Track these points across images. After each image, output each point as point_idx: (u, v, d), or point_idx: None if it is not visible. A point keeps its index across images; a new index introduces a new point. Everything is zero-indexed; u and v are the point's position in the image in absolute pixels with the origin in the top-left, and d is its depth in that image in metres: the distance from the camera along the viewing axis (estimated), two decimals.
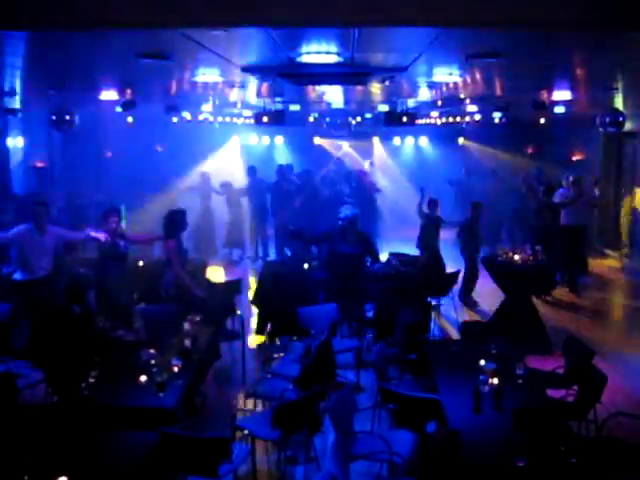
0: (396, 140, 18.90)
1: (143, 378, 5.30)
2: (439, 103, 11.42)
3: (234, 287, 8.76)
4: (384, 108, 11.53)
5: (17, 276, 7.81)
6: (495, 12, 3.95)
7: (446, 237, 11.04)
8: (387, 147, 19.05)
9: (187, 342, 6.13)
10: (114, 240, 8.04)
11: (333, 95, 10.68)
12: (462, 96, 10.05)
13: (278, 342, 8.38)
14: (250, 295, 9.63)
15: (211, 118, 13.86)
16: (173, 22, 4.18)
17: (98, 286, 7.89)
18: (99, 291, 7.88)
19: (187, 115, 12.68)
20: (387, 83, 7.59)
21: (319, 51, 5.54)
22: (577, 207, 11.20)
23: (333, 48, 5.43)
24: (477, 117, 13.13)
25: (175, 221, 7.76)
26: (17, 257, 7.91)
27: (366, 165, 16.89)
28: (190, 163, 15.79)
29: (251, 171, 14.14)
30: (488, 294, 10.26)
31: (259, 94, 9.73)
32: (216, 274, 11.70)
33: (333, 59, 5.77)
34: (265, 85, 8.47)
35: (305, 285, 8.78)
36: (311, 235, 9.11)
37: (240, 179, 15.01)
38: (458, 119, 13.81)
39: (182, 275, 7.63)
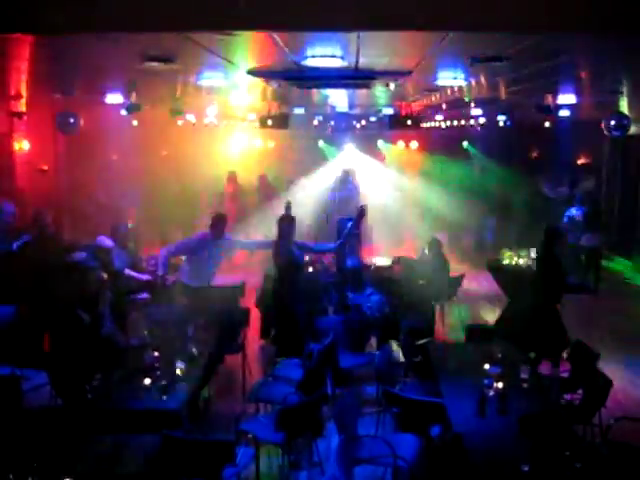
0: (400, 144, 18.86)
1: (147, 381, 5.30)
2: (443, 107, 11.42)
3: (238, 290, 8.75)
4: (389, 111, 11.54)
5: (185, 279, 7.79)
6: (499, 16, 3.95)
7: None
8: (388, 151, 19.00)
9: (191, 345, 6.14)
10: (291, 249, 7.75)
11: (337, 98, 10.69)
12: (467, 99, 10.04)
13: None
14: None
15: (216, 121, 13.88)
16: (178, 26, 4.19)
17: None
18: None
19: (192, 118, 12.70)
20: (391, 87, 7.60)
21: (324, 55, 5.54)
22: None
23: (337, 52, 5.44)
24: (482, 120, 13.13)
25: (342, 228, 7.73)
26: (188, 261, 7.87)
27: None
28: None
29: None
30: (492, 297, 10.27)
31: (264, 98, 9.75)
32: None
33: (337, 63, 5.77)
34: (270, 89, 8.48)
35: (310, 288, 8.78)
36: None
37: None
38: (463, 122, 13.82)
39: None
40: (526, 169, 15.48)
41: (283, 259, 7.63)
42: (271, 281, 8.66)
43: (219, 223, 7.90)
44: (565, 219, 12.12)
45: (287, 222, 7.77)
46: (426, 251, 9.72)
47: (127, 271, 8.19)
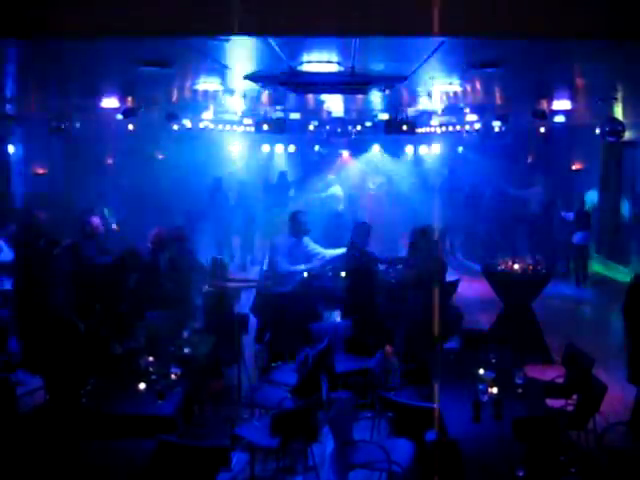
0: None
1: (142, 386, 5.29)
2: (439, 112, 11.45)
3: (233, 295, 8.74)
4: (384, 117, 11.56)
5: (271, 285, 7.82)
6: (495, 22, 3.97)
7: None
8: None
9: (186, 350, 6.14)
10: (363, 254, 7.75)
11: (333, 104, 10.71)
12: (462, 105, 10.07)
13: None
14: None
15: (211, 126, 13.88)
16: (175, 30, 4.20)
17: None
18: None
19: (187, 123, 12.69)
20: (387, 92, 7.61)
21: (320, 60, 5.56)
22: None
23: (334, 57, 5.45)
24: (477, 126, 13.17)
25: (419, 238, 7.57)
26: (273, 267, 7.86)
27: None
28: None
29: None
30: (488, 303, 10.27)
31: (260, 102, 9.76)
32: None
33: (334, 68, 5.78)
34: (266, 93, 8.49)
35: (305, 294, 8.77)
36: None
37: None
38: (458, 128, 13.86)
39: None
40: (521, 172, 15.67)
41: (354, 267, 7.80)
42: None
43: (296, 220, 7.77)
44: (558, 220, 12.81)
45: (361, 231, 7.90)
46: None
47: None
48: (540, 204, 14.68)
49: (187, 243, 8.31)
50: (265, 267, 8.91)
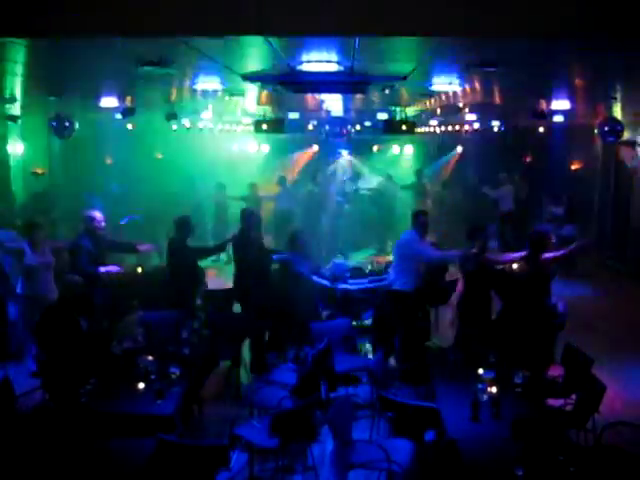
0: (395, 148, 18.94)
1: (141, 385, 5.29)
2: (438, 112, 11.47)
3: (232, 294, 8.73)
4: (383, 116, 11.57)
5: (398, 285, 7.78)
6: (495, 22, 3.97)
7: None
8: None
9: (185, 349, 6.14)
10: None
11: (332, 103, 10.71)
12: (461, 105, 10.08)
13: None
14: None
15: (211, 125, 13.88)
16: (174, 30, 4.19)
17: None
18: None
19: (187, 123, 12.70)
20: (387, 91, 7.62)
21: (319, 60, 5.56)
22: None
23: (333, 57, 5.45)
24: (476, 126, 13.19)
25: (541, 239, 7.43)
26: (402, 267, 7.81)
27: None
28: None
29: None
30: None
31: (259, 102, 9.76)
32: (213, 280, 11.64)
33: (333, 68, 5.78)
34: (265, 93, 8.49)
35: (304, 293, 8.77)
36: None
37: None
38: (457, 128, 13.90)
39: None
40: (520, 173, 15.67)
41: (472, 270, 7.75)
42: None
43: (421, 217, 7.74)
44: (547, 215, 13.72)
45: (479, 233, 7.80)
46: None
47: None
48: (513, 202, 14.93)
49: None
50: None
